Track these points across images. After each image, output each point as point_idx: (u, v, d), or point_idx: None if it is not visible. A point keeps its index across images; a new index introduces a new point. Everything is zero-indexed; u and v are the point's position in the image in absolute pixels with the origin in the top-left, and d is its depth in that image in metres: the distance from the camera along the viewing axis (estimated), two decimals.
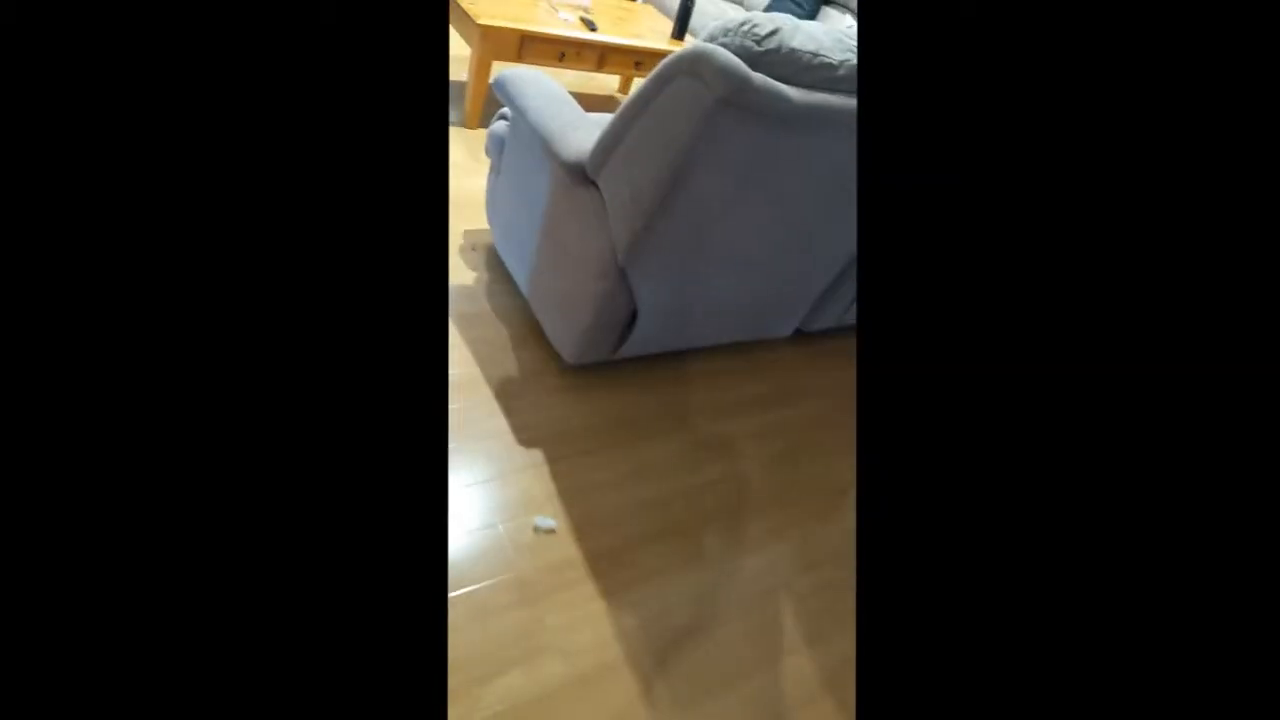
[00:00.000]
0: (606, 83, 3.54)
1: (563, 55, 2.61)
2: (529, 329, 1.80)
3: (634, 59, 2.78)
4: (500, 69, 3.09)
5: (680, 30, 2.88)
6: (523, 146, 1.67)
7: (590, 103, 3.27)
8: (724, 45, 1.20)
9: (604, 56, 2.71)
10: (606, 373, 1.76)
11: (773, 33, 1.20)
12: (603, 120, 1.87)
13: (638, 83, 3.52)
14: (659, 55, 2.81)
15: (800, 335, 2.12)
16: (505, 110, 1.80)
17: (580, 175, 1.45)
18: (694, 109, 1.20)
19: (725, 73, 1.14)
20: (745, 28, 1.21)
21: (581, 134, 1.49)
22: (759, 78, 1.18)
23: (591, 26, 2.67)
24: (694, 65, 1.18)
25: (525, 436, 1.53)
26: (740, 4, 3.99)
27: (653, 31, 2.91)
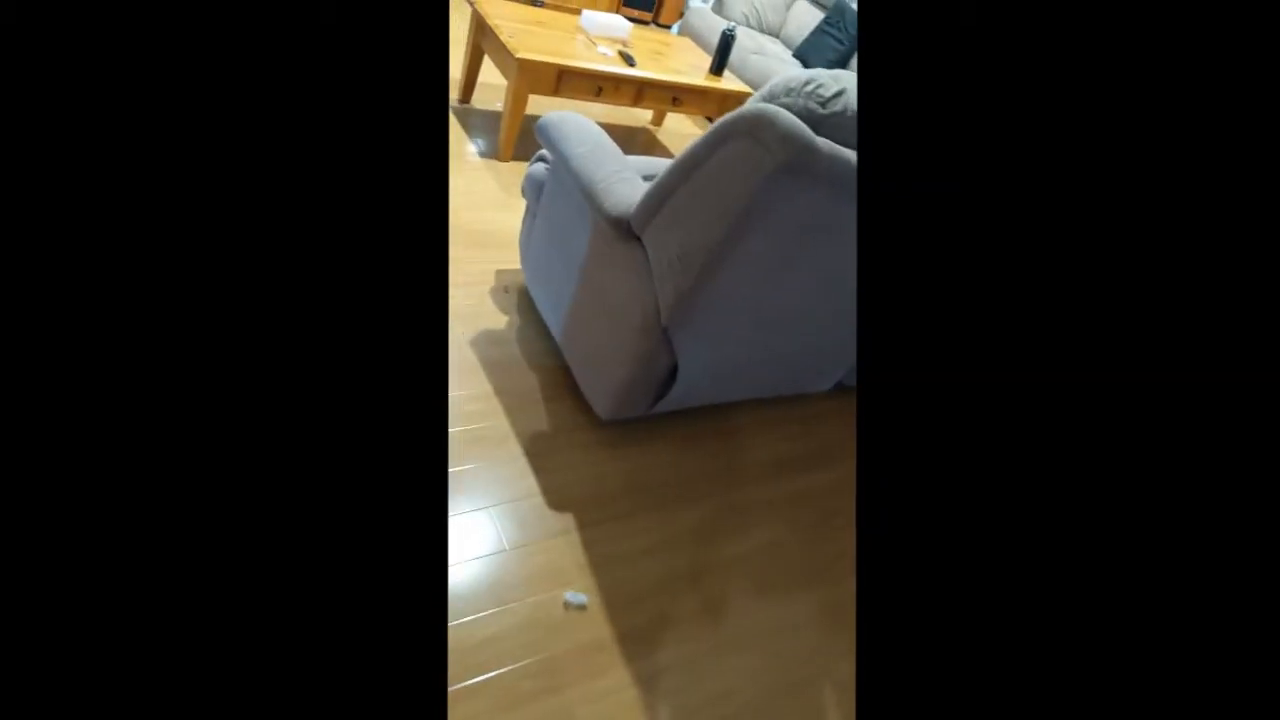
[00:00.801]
0: (639, 114, 3.50)
1: (600, 90, 2.57)
2: (560, 378, 1.74)
3: (672, 94, 2.73)
4: (537, 100, 3.08)
5: (719, 65, 2.83)
6: (563, 193, 1.61)
7: (622, 134, 3.22)
8: (786, 106, 1.14)
9: (641, 91, 2.66)
10: (641, 427, 1.69)
11: (838, 94, 1.13)
12: (646, 165, 1.82)
13: (672, 117, 3.48)
14: (697, 91, 2.76)
15: (841, 389, 2.04)
16: (544, 152, 1.75)
17: (624, 230, 1.39)
18: (751, 172, 1.13)
19: (788, 138, 1.07)
20: (809, 88, 1.14)
21: (626, 187, 1.43)
22: (823, 142, 1.11)
23: (630, 61, 2.63)
24: (753, 127, 1.11)
25: (555, 499, 1.46)
26: (776, 36, 3.94)
27: (691, 66, 2.87)
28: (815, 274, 1.42)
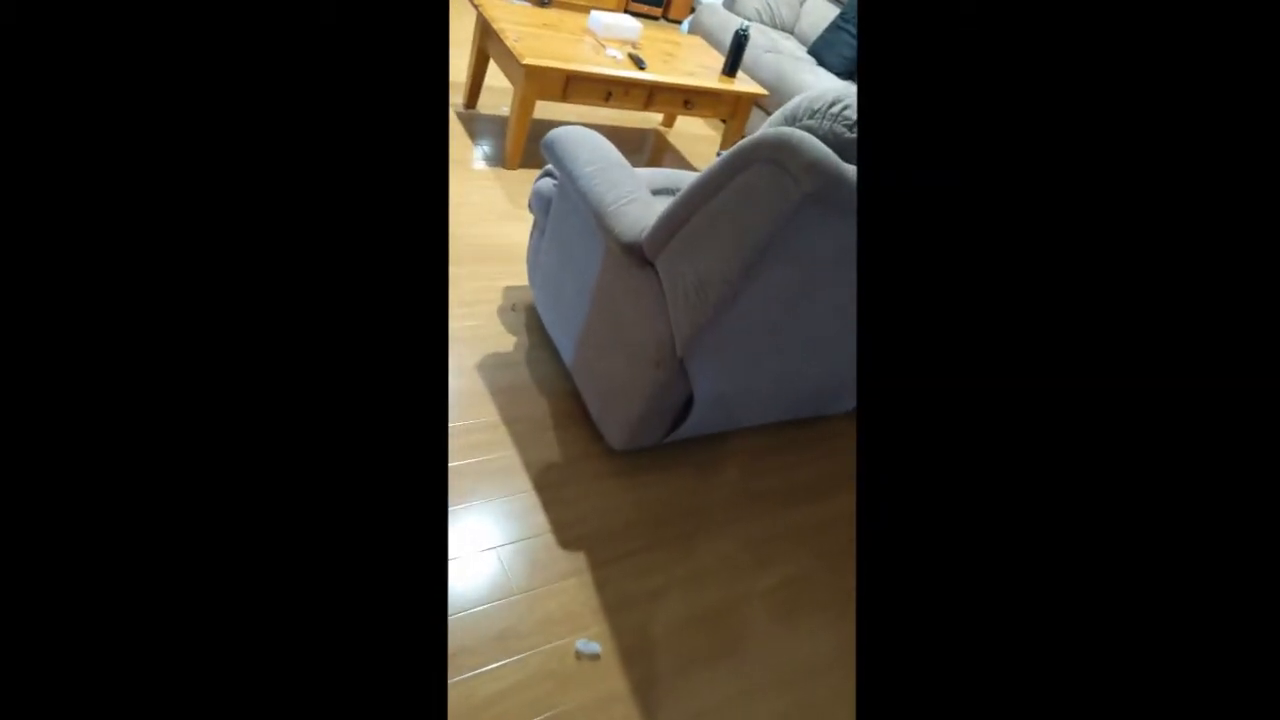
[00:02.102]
0: (649, 115, 3.42)
1: (609, 95, 2.49)
2: (571, 404, 1.67)
3: (684, 97, 2.65)
4: (546, 104, 3.00)
5: (732, 67, 2.74)
6: (571, 211, 1.54)
7: (632, 136, 3.14)
8: (810, 129, 1.06)
9: (652, 95, 2.58)
10: (656, 454, 1.62)
11: None
12: (657, 178, 1.74)
13: (684, 118, 3.38)
14: (710, 94, 2.67)
15: None
16: (552, 167, 1.67)
17: (637, 256, 1.32)
18: (775, 201, 1.06)
19: (814, 167, 1.00)
20: (835, 109, 1.06)
21: (638, 209, 1.35)
22: (851, 170, 1.03)
23: (640, 64, 2.54)
24: (776, 153, 1.04)
25: (567, 536, 1.39)
26: (790, 32, 3.84)
27: (703, 68, 2.78)
28: (840, 301, 1.34)
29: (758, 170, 1.07)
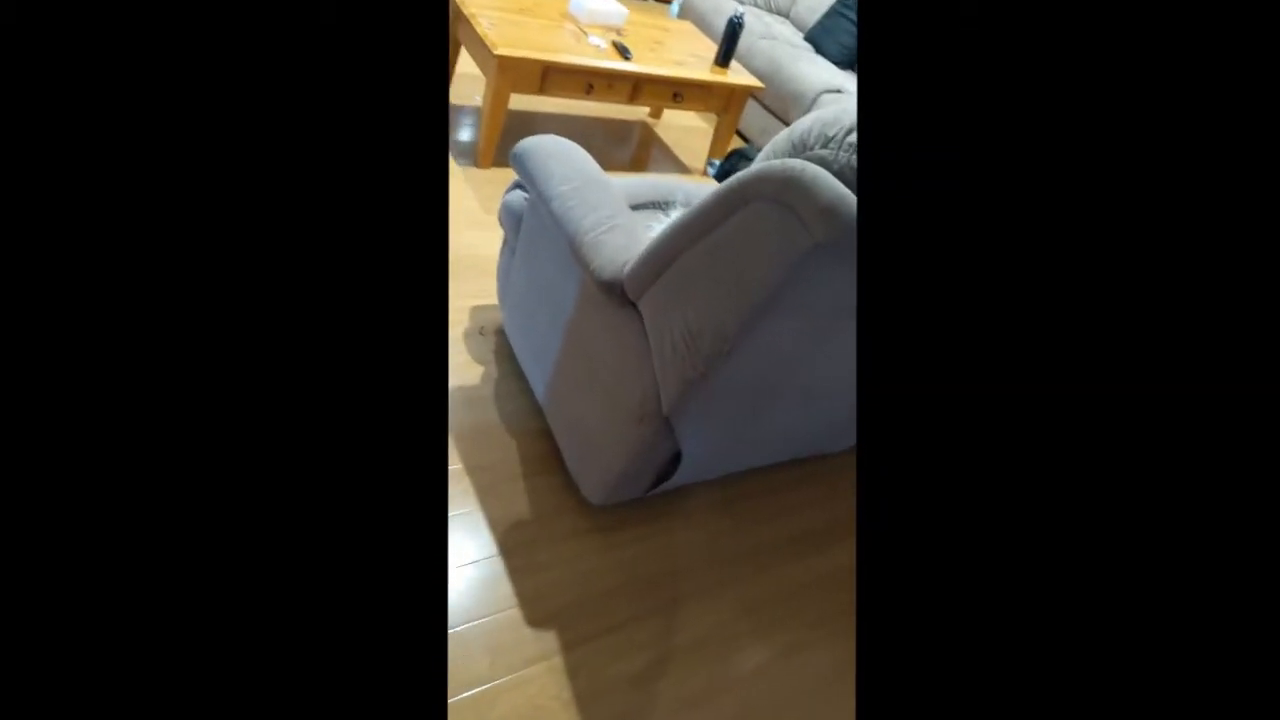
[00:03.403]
0: (635, 106, 3.20)
1: (591, 87, 2.28)
2: (544, 447, 1.49)
3: (672, 90, 2.44)
4: (522, 97, 2.78)
5: (725, 57, 2.54)
6: (543, 232, 1.35)
7: (615, 130, 2.93)
8: (821, 161, 0.88)
9: (638, 88, 2.38)
10: (639, 505, 1.45)
11: None
12: (640, 189, 1.55)
13: (672, 111, 3.15)
14: (701, 86, 2.47)
15: None
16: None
17: (617, 294, 1.14)
18: (780, 249, 0.88)
19: (830, 214, 0.82)
20: (852, 138, 0.88)
21: (619, 238, 1.17)
22: None
23: (625, 53, 2.33)
24: (784, 192, 0.85)
25: (537, 611, 1.22)
26: (785, 17, 3.63)
27: (694, 57, 2.57)
28: (847, 344, 1.17)
29: (760, 210, 0.89)
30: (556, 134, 1.41)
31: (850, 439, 1.68)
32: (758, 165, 0.88)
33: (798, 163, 0.85)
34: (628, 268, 1.11)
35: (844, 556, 1.54)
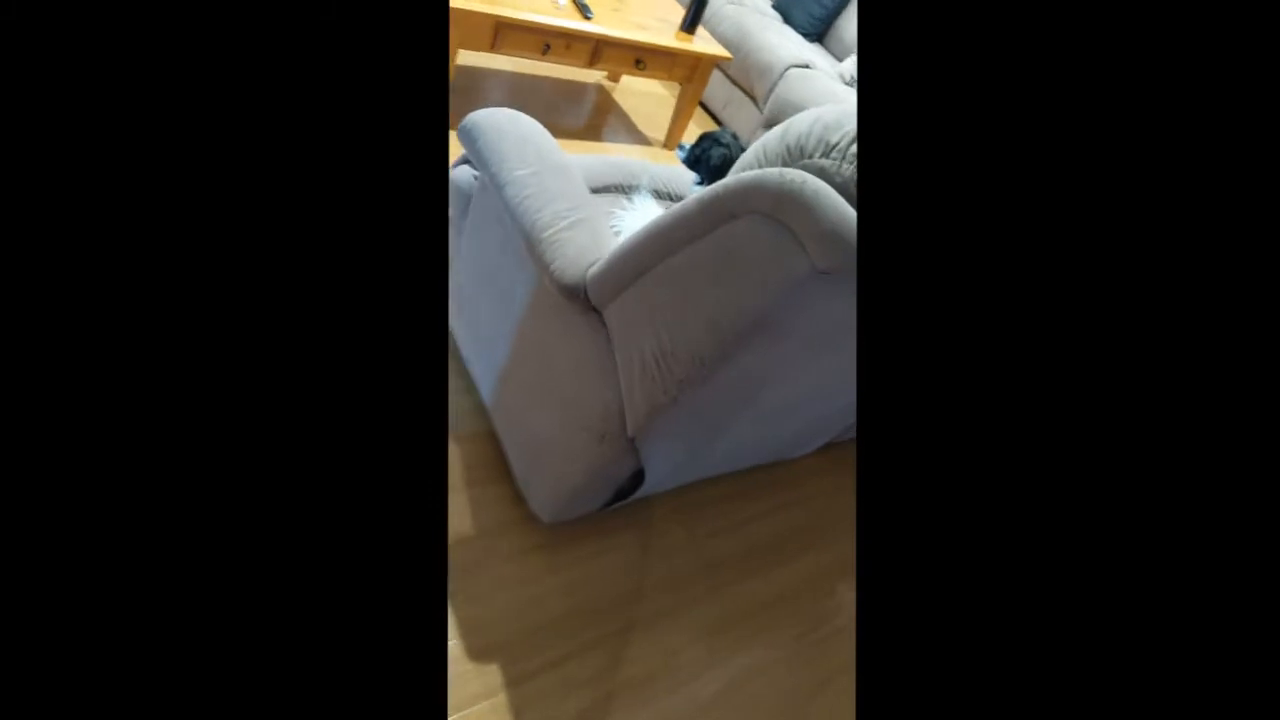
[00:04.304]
0: None
1: (548, 47, 2.10)
2: (489, 449, 1.37)
3: (635, 55, 2.28)
4: (468, 55, 2.56)
5: (692, 23, 2.38)
6: (494, 219, 1.21)
7: (570, 91, 2.75)
8: (823, 173, 0.76)
9: (598, 50, 2.21)
10: (588, 518, 1.35)
11: None
12: (603, 171, 1.42)
13: (630, 79, 2.96)
14: (665, 53, 2.31)
15: (828, 445, 1.73)
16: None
17: (580, 300, 1.01)
18: (772, 273, 0.77)
19: (833, 238, 0.71)
20: (855, 148, 0.77)
21: (582, 236, 1.04)
22: None
23: (586, 12, 2.15)
24: (780, 209, 0.74)
25: (478, 643, 1.11)
26: None
27: (659, 21, 2.41)
28: (831, 363, 1.08)
29: (751, 226, 0.78)
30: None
31: (814, 444, 1.61)
32: (751, 175, 0.76)
33: (797, 175, 0.74)
34: (592, 271, 0.98)
35: (803, 569, 1.48)
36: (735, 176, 0.79)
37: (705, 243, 0.83)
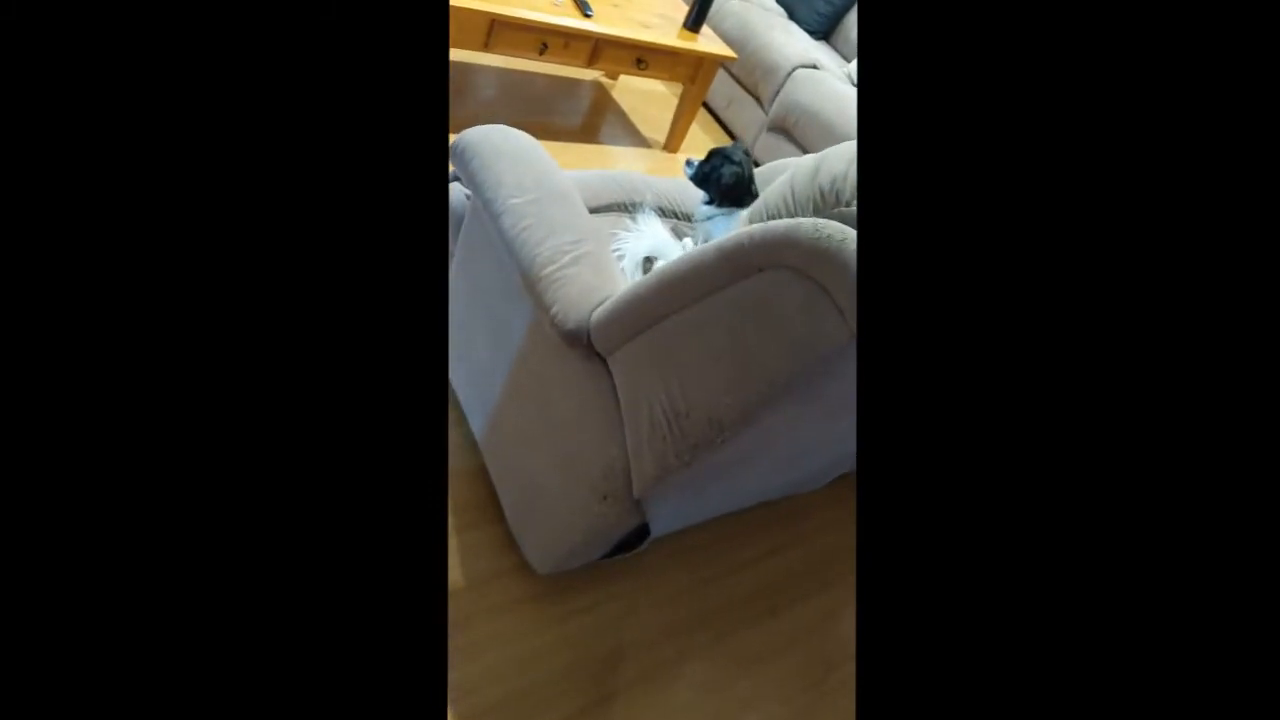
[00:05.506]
0: None
1: (545, 47, 1.99)
2: (479, 488, 1.28)
3: (636, 54, 2.17)
4: (458, 52, 2.43)
5: (696, 20, 2.28)
6: (487, 244, 1.11)
7: (565, 89, 2.64)
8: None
9: (598, 49, 2.10)
10: (588, 565, 1.26)
11: None
12: (602, 187, 1.32)
13: (628, 81, 2.83)
14: (668, 52, 2.21)
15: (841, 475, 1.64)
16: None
17: (583, 345, 0.92)
18: (806, 336, 0.68)
19: None
20: None
21: (586, 273, 0.94)
22: None
23: (585, 9, 2.04)
24: (812, 265, 0.65)
25: (469, 708, 1.03)
26: None
27: (661, 19, 2.30)
28: (850, 414, 0.99)
29: (780, 282, 0.68)
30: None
31: (832, 475, 1.53)
32: (782, 226, 0.67)
33: (835, 229, 0.65)
34: (597, 315, 0.89)
35: (810, 613, 1.40)
36: (762, 226, 0.70)
37: (726, 295, 0.74)
